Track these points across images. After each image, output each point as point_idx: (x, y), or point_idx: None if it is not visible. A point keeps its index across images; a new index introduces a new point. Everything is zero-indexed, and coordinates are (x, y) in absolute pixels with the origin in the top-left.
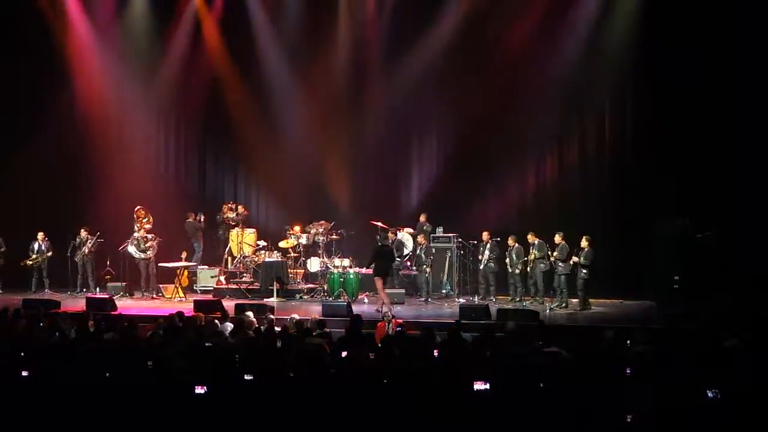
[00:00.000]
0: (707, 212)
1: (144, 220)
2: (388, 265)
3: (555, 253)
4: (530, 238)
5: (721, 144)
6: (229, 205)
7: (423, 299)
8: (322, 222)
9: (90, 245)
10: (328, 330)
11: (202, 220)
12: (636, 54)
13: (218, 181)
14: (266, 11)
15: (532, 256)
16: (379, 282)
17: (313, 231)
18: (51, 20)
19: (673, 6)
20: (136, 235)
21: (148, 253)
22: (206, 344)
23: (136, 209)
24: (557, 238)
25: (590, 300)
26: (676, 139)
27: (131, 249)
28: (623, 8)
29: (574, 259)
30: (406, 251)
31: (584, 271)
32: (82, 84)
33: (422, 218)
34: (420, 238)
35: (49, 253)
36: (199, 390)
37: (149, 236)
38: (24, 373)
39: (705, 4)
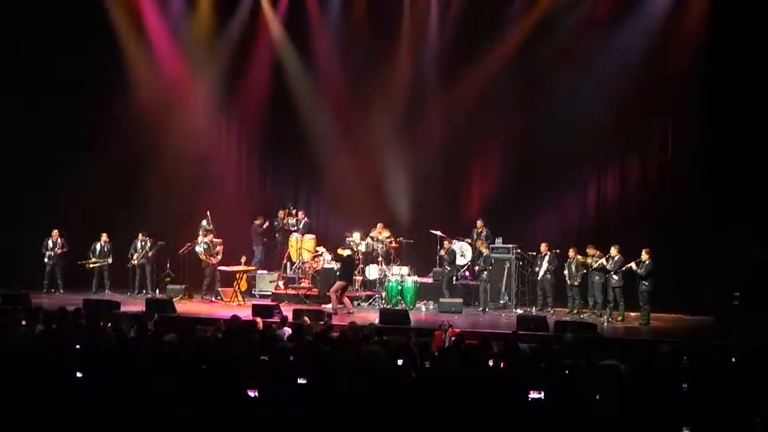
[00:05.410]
0: None
1: (206, 222)
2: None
3: (609, 265)
4: (590, 251)
5: None
6: (288, 211)
7: (481, 309)
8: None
9: (149, 249)
10: (386, 338)
11: (264, 225)
12: (701, 67)
13: (280, 188)
14: (332, 27)
15: (590, 260)
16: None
17: (374, 234)
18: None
19: (740, 18)
20: (204, 239)
21: (218, 257)
22: (262, 349)
23: (207, 212)
24: (613, 251)
25: (650, 314)
26: (741, 155)
27: (199, 250)
28: (688, 23)
29: (631, 265)
30: (464, 261)
31: (645, 283)
32: (144, 87)
33: (479, 224)
34: (482, 248)
35: (110, 259)
36: (252, 393)
37: (217, 240)
38: (78, 375)
39: None
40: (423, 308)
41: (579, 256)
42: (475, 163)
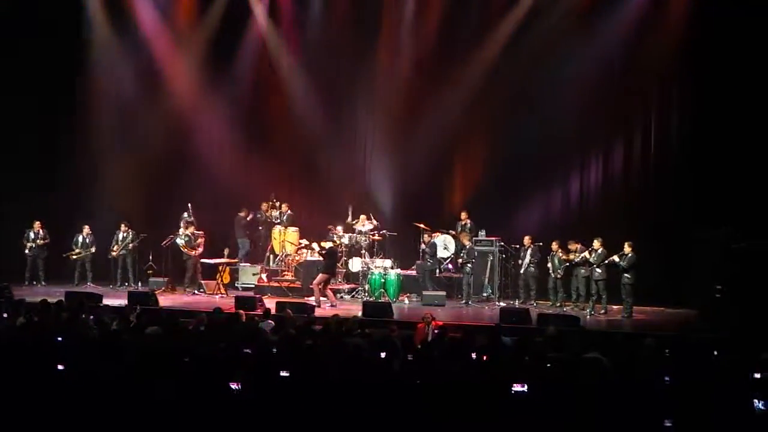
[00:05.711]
0: (755, 221)
1: (187, 214)
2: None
3: (592, 258)
4: (572, 246)
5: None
6: (271, 203)
7: (464, 302)
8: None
9: (131, 241)
10: (368, 330)
11: (248, 217)
12: (683, 60)
13: (264, 179)
14: (317, 19)
15: (572, 256)
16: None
17: (358, 226)
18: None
19: (722, 11)
20: (186, 231)
21: (199, 250)
22: (245, 342)
23: (189, 204)
24: (596, 244)
25: (633, 307)
26: (723, 148)
27: (180, 242)
28: (671, 13)
29: (613, 258)
30: (447, 254)
31: (627, 276)
32: (125, 76)
33: (463, 216)
34: (465, 241)
35: (93, 249)
36: (234, 386)
37: (198, 233)
38: (60, 367)
39: (755, 9)
40: (406, 301)
41: (560, 254)
42: (460, 155)
